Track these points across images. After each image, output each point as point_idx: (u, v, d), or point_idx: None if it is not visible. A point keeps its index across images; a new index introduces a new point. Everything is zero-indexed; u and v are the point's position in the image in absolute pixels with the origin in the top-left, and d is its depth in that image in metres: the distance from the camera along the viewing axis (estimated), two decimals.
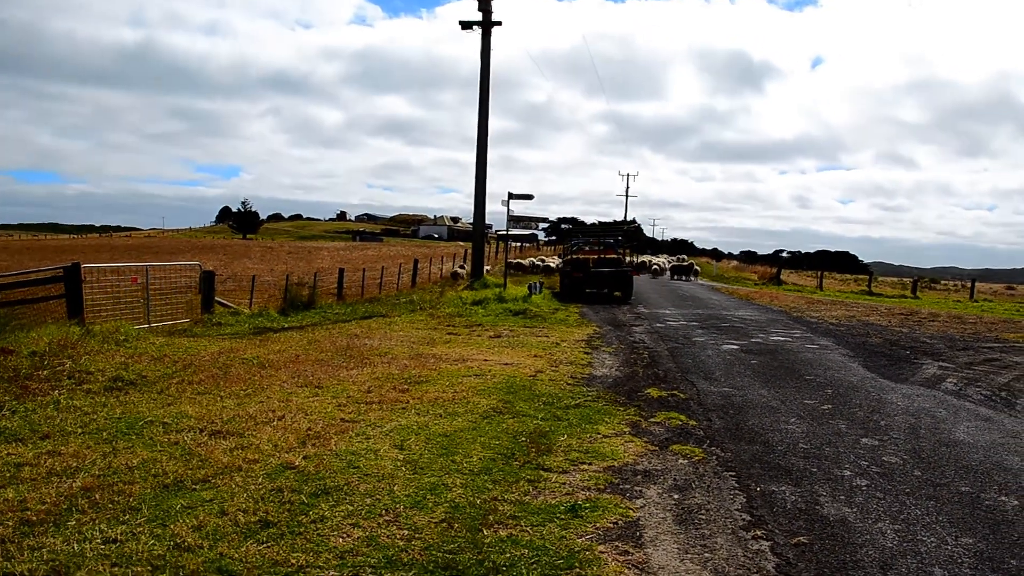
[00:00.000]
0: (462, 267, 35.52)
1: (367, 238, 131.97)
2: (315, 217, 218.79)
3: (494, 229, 68.14)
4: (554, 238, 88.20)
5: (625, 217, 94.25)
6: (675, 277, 45.82)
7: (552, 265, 40.58)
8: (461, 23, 25.06)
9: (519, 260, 44.47)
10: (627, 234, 40.63)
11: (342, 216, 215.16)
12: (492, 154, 46.55)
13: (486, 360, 10.99)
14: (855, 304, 26.71)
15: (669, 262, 54.49)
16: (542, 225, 32.72)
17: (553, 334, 14.64)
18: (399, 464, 5.71)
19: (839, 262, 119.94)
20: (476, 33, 25.14)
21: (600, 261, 26.34)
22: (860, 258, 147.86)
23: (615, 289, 25.03)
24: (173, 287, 16.61)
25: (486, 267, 32.72)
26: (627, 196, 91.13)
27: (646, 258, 59.98)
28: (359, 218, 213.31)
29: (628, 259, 32.48)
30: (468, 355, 11.44)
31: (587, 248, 28.98)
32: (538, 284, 24.20)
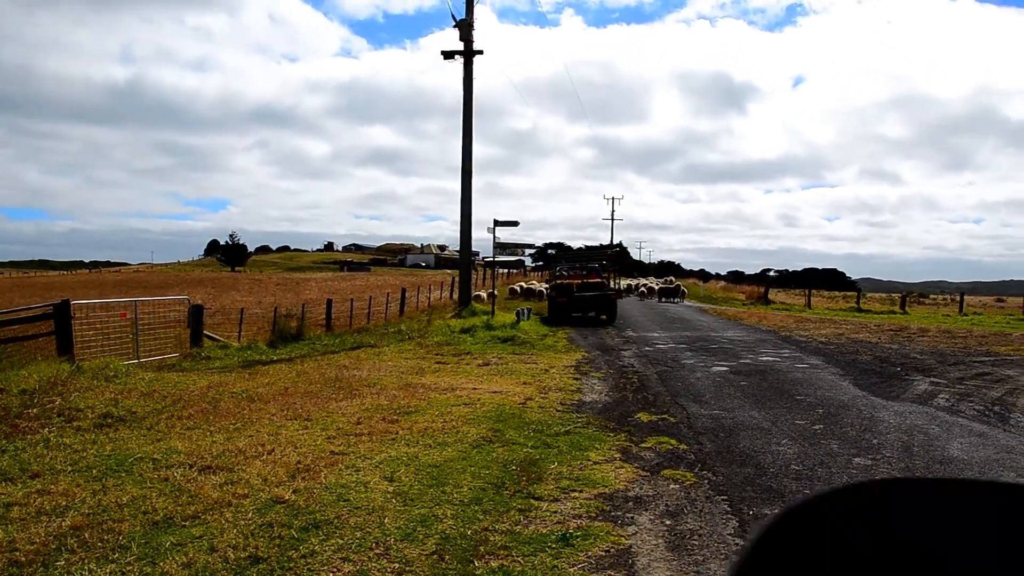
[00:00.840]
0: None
1: (355, 268, 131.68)
2: (303, 248, 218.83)
3: (481, 256, 68.18)
4: (540, 264, 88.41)
5: (611, 241, 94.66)
6: (662, 299, 45.99)
7: (541, 290, 40.68)
8: (443, 53, 25.26)
9: (507, 286, 44.53)
10: (611, 258, 40.83)
11: (329, 247, 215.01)
12: (477, 181, 46.66)
13: (475, 389, 10.97)
14: (844, 322, 26.84)
15: (656, 284, 54.70)
16: (528, 251, 32.78)
17: (542, 360, 14.64)
18: (389, 496, 5.68)
19: (827, 280, 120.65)
20: (458, 63, 25.37)
21: (584, 285, 26.61)
22: (848, 275, 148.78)
23: (600, 312, 25.43)
24: (162, 321, 16.54)
25: (478, 293, 32.71)
26: (612, 220, 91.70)
27: (633, 281, 60.13)
28: (346, 248, 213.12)
29: (614, 283, 32.69)
30: (457, 384, 11.43)
31: (571, 273, 29.20)
32: (526, 310, 24.26)
